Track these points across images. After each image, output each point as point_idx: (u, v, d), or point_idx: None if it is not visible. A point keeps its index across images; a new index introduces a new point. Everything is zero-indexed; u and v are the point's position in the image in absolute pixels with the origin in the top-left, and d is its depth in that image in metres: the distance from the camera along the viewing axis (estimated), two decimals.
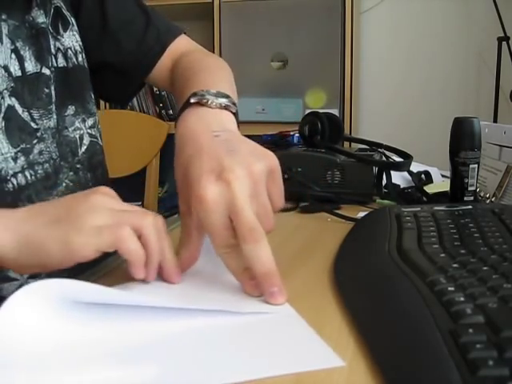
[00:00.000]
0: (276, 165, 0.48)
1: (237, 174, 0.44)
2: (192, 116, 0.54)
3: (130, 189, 2.37)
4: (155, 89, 2.51)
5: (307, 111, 1.66)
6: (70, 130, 0.68)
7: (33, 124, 0.62)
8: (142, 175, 2.21)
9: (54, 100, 0.65)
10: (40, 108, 0.63)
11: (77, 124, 0.69)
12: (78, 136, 0.69)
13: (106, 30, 0.74)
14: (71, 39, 0.70)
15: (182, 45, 0.80)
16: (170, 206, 2.26)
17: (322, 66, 2.20)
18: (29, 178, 0.61)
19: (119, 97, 0.85)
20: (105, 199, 0.46)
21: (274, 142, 0.96)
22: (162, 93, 2.50)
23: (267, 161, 0.47)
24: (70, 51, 0.70)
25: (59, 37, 0.69)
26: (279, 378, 0.33)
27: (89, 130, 0.71)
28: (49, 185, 0.63)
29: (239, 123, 0.57)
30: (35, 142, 0.62)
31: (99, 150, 0.74)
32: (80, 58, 0.71)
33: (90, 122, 0.72)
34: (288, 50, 2.21)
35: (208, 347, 0.37)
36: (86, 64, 0.73)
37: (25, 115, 0.61)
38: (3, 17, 0.60)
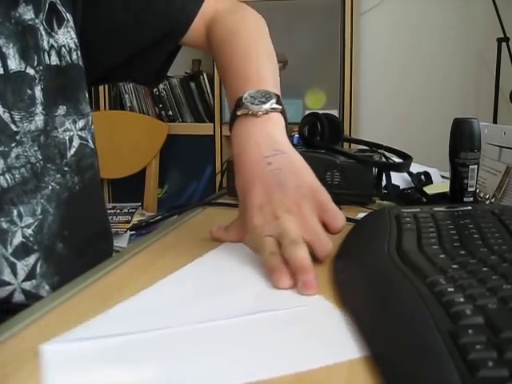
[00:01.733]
0: (324, 199, 0.54)
1: (283, 213, 0.52)
2: (243, 132, 0.60)
3: (129, 189, 2.39)
4: (155, 90, 2.51)
5: (307, 112, 1.66)
6: (59, 130, 0.66)
7: (13, 126, 0.60)
8: (142, 176, 2.22)
9: (38, 102, 0.63)
10: (21, 110, 0.61)
11: (67, 125, 0.67)
12: (67, 137, 0.67)
13: (127, 12, 0.73)
14: (65, 36, 0.68)
15: (211, 9, 0.78)
16: (169, 206, 2.26)
17: (321, 67, 2.20)
18: (9, 181, 0.60)
19: (155, 74, 0.82)
20: None
21: None
22: (162, 93, 2.51)
23: (315, 198, 0.54)
24: (63, 49, 0.67)
25: (53, 33, 0.66)
26: (279, 378, 0.33)
27: (79, 132, 0.69)
28: (28, 188, 0.61)
29: (286, 119, 0.63)
30: (13, 145, 0.60)
31: (89, 153, 0.71)
32: (74, 56, 0.69)
33: (80, 123, 0.69)
34: (288, 50, 2.21)
35: (249, 342, 0.37)
36: (80, 62, 0.70)
37: (5, 116, 0.59)
38: None
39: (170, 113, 2.51)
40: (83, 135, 0.70)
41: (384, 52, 2.38)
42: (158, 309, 0.43)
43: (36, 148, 0.63)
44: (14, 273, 0.59)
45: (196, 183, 2.47)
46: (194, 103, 2.48)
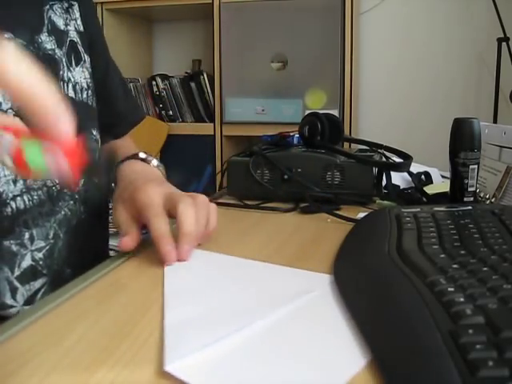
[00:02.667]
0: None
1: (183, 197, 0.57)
2: (140, 165, 0.71)
3: None
4: (155, 89, 2.51)
5: (307, 112, 1.66)
6: None
7: None
8: None
9: None
10: None
11: None
12: None
13: (100, 93, 0.78)
14: (80, 75, 0.70)
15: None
16: None
17: (321, 67, 2.20)
18: (27, 202, 0.61)
19: None
20: None
21: (274, 143, 0.96)
22: (162, 93, 2.51)
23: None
24: (78, 86, 0.70)
25: (71, 68, 0.69)
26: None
27: None
28: (44, 211, 0.63)
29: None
30: None
31: (93, 187, 0.73)
32: (85, 95, 0.71)
33: None
34: (288, 50, 2.22)
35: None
36: (91, 102, 0.72)
37: None
38: (6, 36, 0.59)
39: (171, 113, 2.51)
40: None
41: (384, 52, 2.38)
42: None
43: None
44: (14, 298, 0.59)
45: (196, 183, 2.47)
46: (194, 103, 2.48)
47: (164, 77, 2.54)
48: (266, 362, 0.34)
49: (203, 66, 2.56)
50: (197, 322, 0.40)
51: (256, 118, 2.26)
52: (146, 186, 0.58)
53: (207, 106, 2.46)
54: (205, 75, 2.45)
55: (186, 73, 2.55)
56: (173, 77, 2.51)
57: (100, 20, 2.36)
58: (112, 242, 0.81)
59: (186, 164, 2.46)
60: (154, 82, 2.53)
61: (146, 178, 0.64)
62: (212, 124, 2.38)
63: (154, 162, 0.73)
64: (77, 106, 0.69)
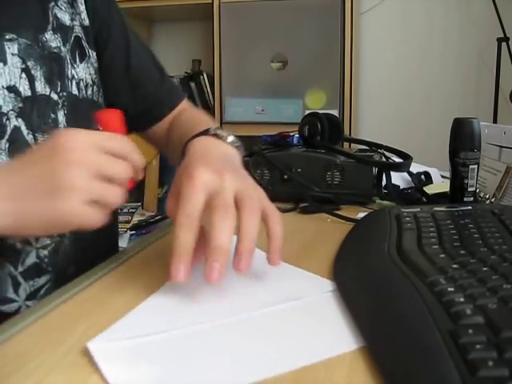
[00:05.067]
0: (268, 204, 0.50)
1: (230, 176, 0.47)
2: (210, 143, 0.57)
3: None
4: None
5: (307, 112, 1.66)
6: None
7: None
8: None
9: (61, 126, 0.64)
10: (44, 132, 0.62)
11: None
12: None
13: (126, 78, 0.77)
14: (85, 71, 0.70)
15: (182, 107, 0.85)
16: None
17: (321, 67, 2.20)
18: None
19: None
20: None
21: (274, 143, 0.96)
22: None
23: (260, 198, 0.49)
24: (82, 82, 0.69)
25: (75, 65, 0.68)
26: (279, 378, 0.33)
27: None
28: None
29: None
30: None
31: None
32: (90, 91, 0.70)
33: None
34: (288, 50, 2.21)
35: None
36: (96, 98, 0.72)
37: (29, 138, 0.60)
38: (7, 37, 0.59)
39: None
40: None
41: (384, 52, 2.38)
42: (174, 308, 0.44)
43: None
44: (16, 292, 0.59)
45: None
46: (194, 103, 2.48)
47: None
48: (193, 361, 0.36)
49: (203, 66, 2.56)
50: (160, 311, 0.43)
51: (256, 118, 2.26)
52: (193, 170, 0.47)
53: (207, 105, 2.46)
54: (205, 75, 2.45)
55: (186, 73, 2.55)
56: (173, 77, 2.51)
57: None
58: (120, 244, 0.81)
59: None
60: None
61: (207, 157, 0.53)
62: None
63: (230, 138, 0.59)
64: (81, 102, 0.69)
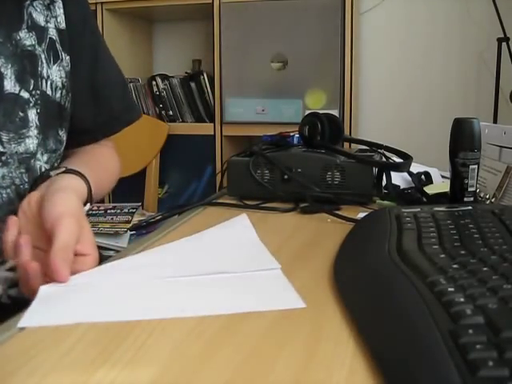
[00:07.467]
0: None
1: None
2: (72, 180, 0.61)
3: (130, 189, 2.39)
4: (155, 89, 2.51)
5: (307, 112, 1.66)
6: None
7: (0, 147, 0.61)
8: (142, 176, 2.21)
9: (32, 125, 0.64)
10: (10, 131, 0.62)
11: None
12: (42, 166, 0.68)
13: (91, 85, 0.76)
14: (56, 74, 0.69)
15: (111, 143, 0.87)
16: (169, 206, 2.26)
17: (321, 67, 2.20)
18: None
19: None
20: None
21: (274, 143, 0.96)
22: (162, 93, 2.51)
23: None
24: (53, 84, 0.69)
25: (50, 66, 0.68)
26: (278, 378, 0.33)
27: (44, 165, 0.69)
28: (13, 209, 0.61)
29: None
30: None
31: None
32: (58, 95, 0.70)
33: (45, 157, 0.69)
34: (288, 50, 2.21)
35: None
36: (63, 102, 0.71)
37: None
38: None
39: (171, 113, 2.51)
40: (47, 168, 0.70)
41: (384, 52, 2.38)
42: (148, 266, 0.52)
43: (23, 170, 0.64)
44: None
45: (196, 183, 2.47)
46: (194, 103, 2.48)
47: (164, 77, 2.54)
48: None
49: (203, 66, 2.56)
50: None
51: (256, 118, 2.25)
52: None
53: (207, 106, 2.45)
54: (205, 75, 2.45)
55: (186, 73, 2.55)
56: (173, 77, 2.51)
57: (100, 20, 2.36)
58: (114, 243, 0.81)
59: (186, 164, 2.46)
60: (154, 82, 2.53)
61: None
62: (212, 124, 2.38)
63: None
64: (50, 104, 0.68)
